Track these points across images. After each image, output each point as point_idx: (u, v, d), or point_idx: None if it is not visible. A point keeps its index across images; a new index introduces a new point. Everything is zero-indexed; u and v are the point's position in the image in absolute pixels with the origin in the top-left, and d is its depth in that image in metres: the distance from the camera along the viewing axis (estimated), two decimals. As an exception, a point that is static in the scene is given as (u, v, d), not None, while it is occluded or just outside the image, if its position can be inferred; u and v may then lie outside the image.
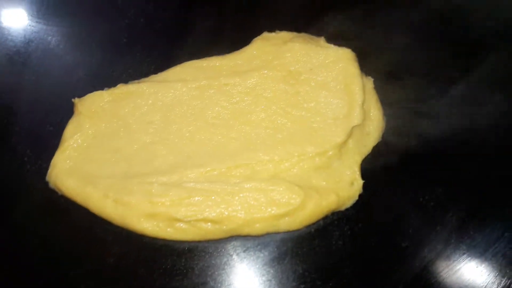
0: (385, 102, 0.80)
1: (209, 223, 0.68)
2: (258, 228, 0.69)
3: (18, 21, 0.89)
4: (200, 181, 0.70)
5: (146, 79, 0.82)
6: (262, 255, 0.69)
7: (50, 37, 0.87)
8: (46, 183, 0.73)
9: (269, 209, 0.68)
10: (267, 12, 0.90)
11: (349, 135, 0.75)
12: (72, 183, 0.71)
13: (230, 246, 0.70)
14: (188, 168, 0.72)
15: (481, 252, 0.68)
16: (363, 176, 0.73)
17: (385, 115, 0.79)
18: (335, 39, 0.84)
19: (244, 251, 0.70)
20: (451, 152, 0.76)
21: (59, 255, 0.69)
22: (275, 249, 0.70)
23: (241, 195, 0.69)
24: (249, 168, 0.72)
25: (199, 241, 0.69)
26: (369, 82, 0.81)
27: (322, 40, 0.83)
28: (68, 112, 0.78)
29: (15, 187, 0.73)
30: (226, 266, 0.69)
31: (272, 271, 0.68)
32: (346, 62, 0.80)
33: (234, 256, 0.69)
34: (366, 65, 0.82)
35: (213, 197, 0.69)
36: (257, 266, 0.68)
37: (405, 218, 0.71)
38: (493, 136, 0.77)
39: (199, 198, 0.69)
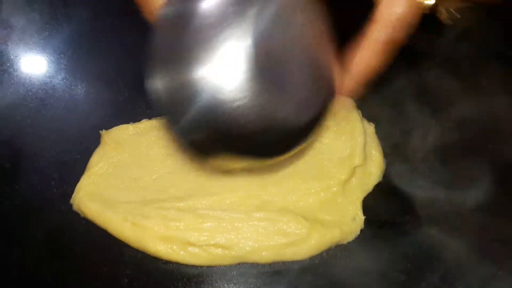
0: (386, 145, 0.86)
1: (219, 249, 0.73)
2: (265, 256, 0.73)
3: (54, 59, 0.97)
4: (213, 209, 0.75)
5: (168, 116, 0.89)
6: (268, 281, 0.73)
7: (82, 77, 0.95)
8: (70, 206, 0.78)
9: (277, 238, 0.73)
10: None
11: (352, 174, 0.80)
12: (94, 206, 0.76)
13: (237, 273, 0.74)
14: (201, 196, 0.77)
15: (478, 289, 0.71)
16: (365, 212, 0.78)
17: (385, 158, 0.85)
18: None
19: (250, 278, 0.73)
20: (448, 195, 0.80)
21: (76, 272, 0.73)
22: (280, 277, 0.73)
23: (251, 223, 0.74)
24: (258, 198, 0.77)
25: (209, 266, 0.74)
26: (371, 127, 0.87)
27: (327, 89, 0.91)
28: (94, 143, 0.85)
29: (41, 207, 0.78)
30: (232, 291, 0.72)
31: (276, 298, 0.72)
32: (348, 110, 0.86)
33: (241, 282, 0.73)
34: (368, 112, 0.89)
35: (224, 224, 0.74)
36: (262, 293, 0.72)
37: (404, 253, 0.75)
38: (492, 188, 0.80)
39: (211, 224, 0.73)
